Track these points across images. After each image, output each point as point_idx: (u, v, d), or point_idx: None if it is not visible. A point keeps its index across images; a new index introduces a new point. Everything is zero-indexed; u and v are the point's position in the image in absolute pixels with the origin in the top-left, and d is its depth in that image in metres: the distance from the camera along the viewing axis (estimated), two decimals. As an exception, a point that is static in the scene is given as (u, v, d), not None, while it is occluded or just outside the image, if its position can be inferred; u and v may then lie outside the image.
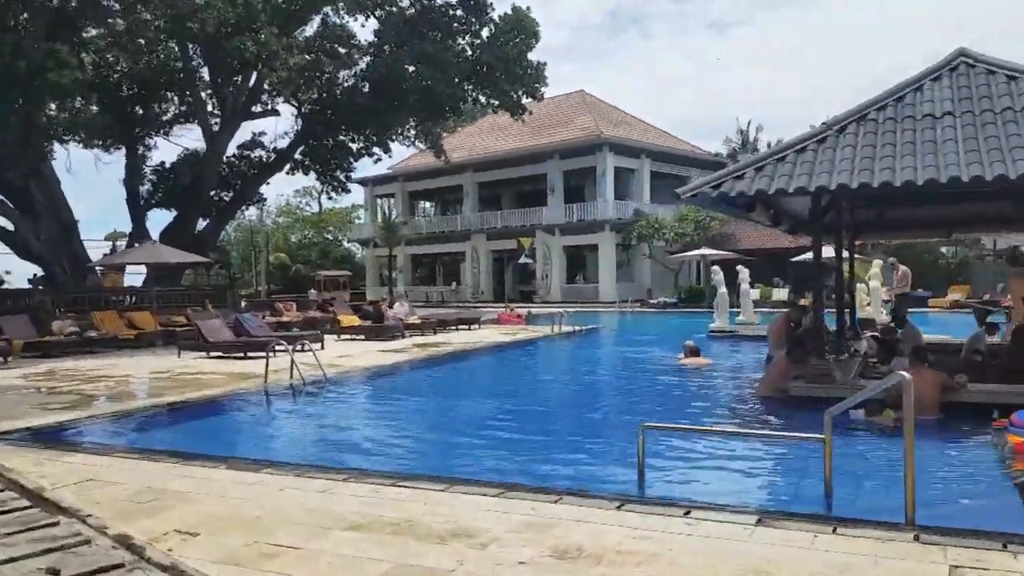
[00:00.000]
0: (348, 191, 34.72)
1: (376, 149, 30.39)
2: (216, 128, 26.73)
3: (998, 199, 9.05)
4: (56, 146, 24.20)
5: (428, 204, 52.50)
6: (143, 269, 24.60)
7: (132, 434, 8.08)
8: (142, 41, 22.10)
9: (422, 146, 32.78)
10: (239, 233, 59.48)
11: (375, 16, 27.56)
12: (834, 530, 4.07)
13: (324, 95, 27.90)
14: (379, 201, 50.07)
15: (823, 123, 8.20)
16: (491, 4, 26.83)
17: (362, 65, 28.23)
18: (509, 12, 26.72)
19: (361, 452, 7.35)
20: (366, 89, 27.23)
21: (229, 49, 21.10)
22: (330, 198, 48.14)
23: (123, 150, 27.49)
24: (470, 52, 27.65)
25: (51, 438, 7.35)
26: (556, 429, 8.33)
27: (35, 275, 24.13)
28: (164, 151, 49.40)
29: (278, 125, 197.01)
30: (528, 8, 26.79)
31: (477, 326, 21.84)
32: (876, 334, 10.86)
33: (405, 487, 5.18)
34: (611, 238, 37.34)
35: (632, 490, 5.22)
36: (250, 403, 9.93)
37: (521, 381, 13.36)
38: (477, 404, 9.97)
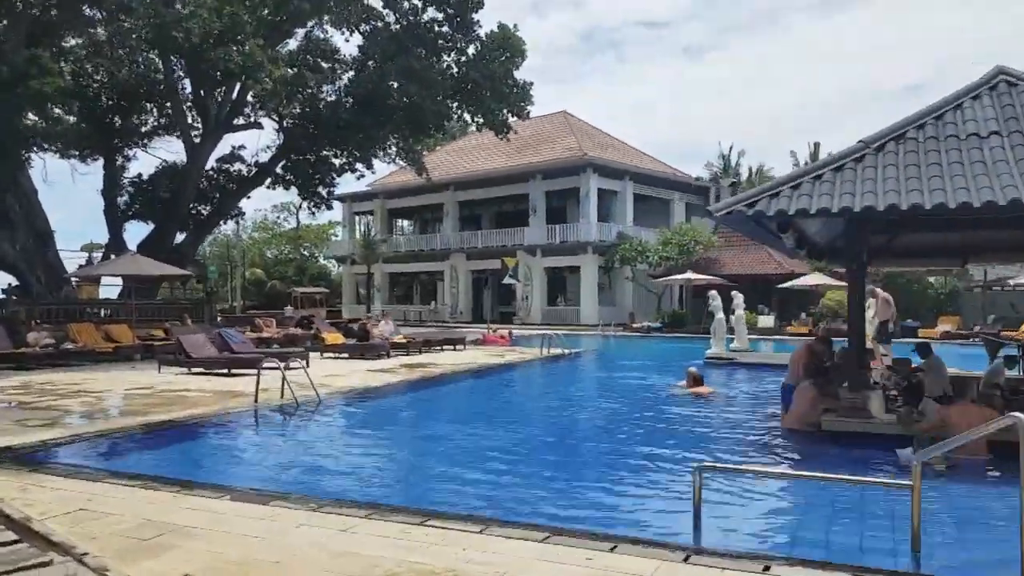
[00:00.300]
0: (330, 207, 34.24)
1: (359, 165, 30.04)
2: (197, 140, 26.20)
3: (1015, 226, 8.91)
4: (33, 155, 23.58)
5: (407, 222, 52.09)
6: (119, 281, 23.90)
7: (121, 457, 7.61)
8: (123, 51, 21.61)
9: (403, 163, 32.45)
10: (215, 248, 58.43)
11: (360, 31, 27.36)
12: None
13: (307, 109, 27.53)
14: (358, 218, 49.56)
15: (860, 141, 7.95)
16: (478, 21, 26.77)
17: (346, 80, 27.97)
18: (496, 30, 26.66)
19: (371, 482, 6.95)
20: (350, 104, 26.93)
21: (213, 60, 20.68)
22: (312, 214, 47.52)
23: (101, 160, 26.89)
24: (456, 69, 27.53)
25: (33, 459, 6.87)
26: (572, 462, 7.86)
27: (9, 285, 23.42)
28: (143, 163, 48.64)
29: (260, 139, 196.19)
30: (515, 26, 26.80)
31: (463, 347, 21.49)
32: (891, 365, 10.59)
33: (435, 527, 4.78)
34: (593, 260, 37.22)
35: (682, 534, 4.86)
36: (243, 424, 9.47)
37: (522, 408, 12.94)
38: (483, 432, 9.53)
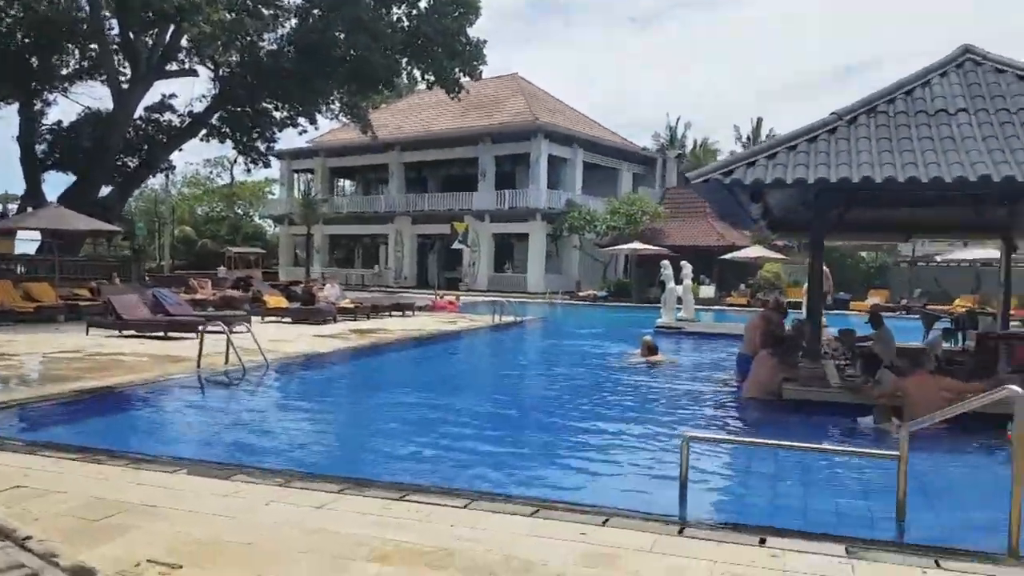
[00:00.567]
0: (268, 164, 32.77)
1: (301, 120, 28.79)
2: (125, 86, 24.45)
3: (964, 204, 9.07)
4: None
5: (349, 182, 50.52)
6: (37, 236, 22.22)
7: (57, 427, 6.90)
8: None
9: (347, 120, 31.22)
10: (141, 203, 55.50)
11: (304, -24, 25.94)
12: (936, 563, 3.62)
13: (246, 57, 26.04)
14: (297, 176, 47.74)
15: (832, 113, 7.94)
16: (429, -29, 25.78)
17: (288, 28, 26.57)
18: (449, -18, 25.72)
19: (336, 455, 6.52)
20: (292, 54, 25.60)
21: (145, -1, 19.19)
22: (248, 170, 45.30)
23: (16, 105, 24.84)
24: (407, 22, 26.50)
25: (-48, 430, 6.13)
26: (539, 432, 7.58)
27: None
28: (64, 108, 45.53)
29: (195, 87, 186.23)
30: (469, -20, 25.88)
31: (412, 313, 20.96)
32: (838, 336, 10.74)
33: (417, 503, 4.42)
34: (542, 227, 36.91)
35: (663, 505, 4.68)
36: (187, 390, 8.82)
37: (478, 375, 12.62)
38: (443, 400, 9.11)
